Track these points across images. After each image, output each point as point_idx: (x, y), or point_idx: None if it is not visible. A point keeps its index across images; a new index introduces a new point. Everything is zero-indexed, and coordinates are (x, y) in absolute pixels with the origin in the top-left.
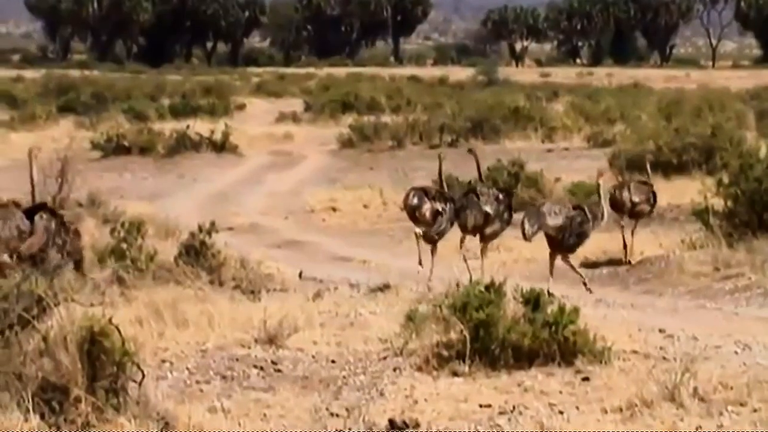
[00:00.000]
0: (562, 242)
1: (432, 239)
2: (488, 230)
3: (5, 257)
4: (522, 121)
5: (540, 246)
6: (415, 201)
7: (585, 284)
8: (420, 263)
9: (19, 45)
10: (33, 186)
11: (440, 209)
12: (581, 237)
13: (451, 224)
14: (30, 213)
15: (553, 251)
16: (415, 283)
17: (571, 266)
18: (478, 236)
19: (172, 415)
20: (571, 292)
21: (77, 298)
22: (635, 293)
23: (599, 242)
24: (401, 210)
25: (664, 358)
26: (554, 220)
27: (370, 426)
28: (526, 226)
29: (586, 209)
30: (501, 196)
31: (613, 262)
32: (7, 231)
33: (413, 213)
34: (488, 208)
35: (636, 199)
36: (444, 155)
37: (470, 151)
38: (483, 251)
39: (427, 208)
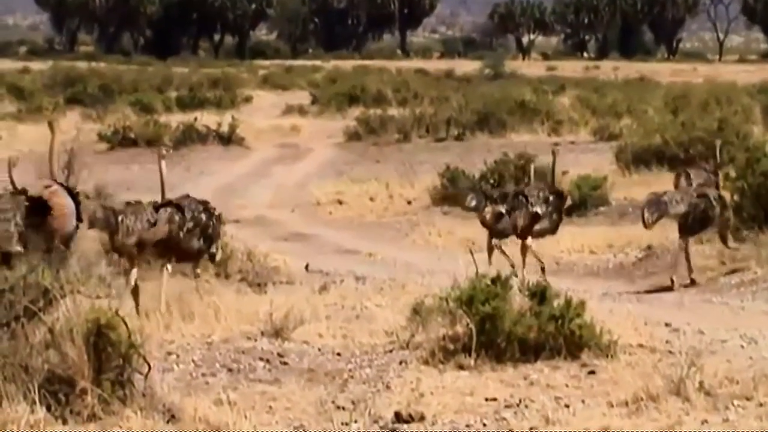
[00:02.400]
0: (686, 228)
1: (504, 235)
2: (536, 229)
3: (134, 248)
4: (528, 115)
5: (546, 240)
6: (473, 204)
7: (692, 280)
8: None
9: (26, 37)
10: (162, 181)
11: (503, 211)
12: (704, 223)
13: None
14: (159, 208)
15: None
16: (420, 276)
17: (687, 255)
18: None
19: (178, 408)
20: (578, 286)
21: (83, 290)
22: (641, 287)
23: (606, 234)
24: (407, 203)
25: (670, 352)
26: (676, 208)
27: (375, 419)
28: (646, 214)
29: (711, 197)
30: (551, 198)
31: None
32: (139, 224)
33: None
34: (537, 209)
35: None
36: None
37: (553, 152)
38: (523, 251)
39: (488, 211)
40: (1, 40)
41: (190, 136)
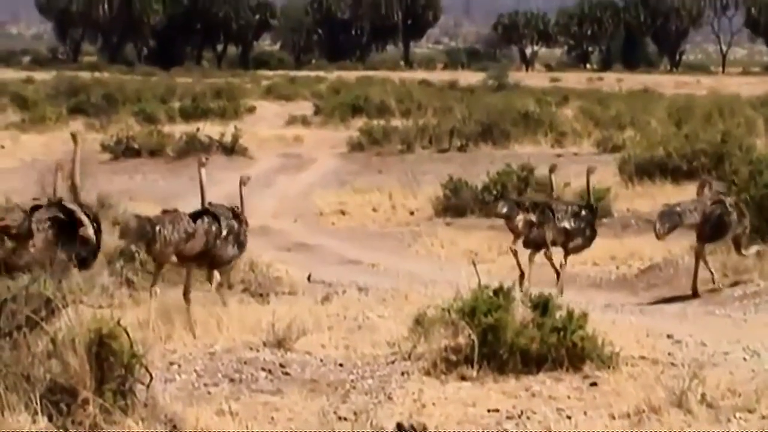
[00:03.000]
0: (703, 236)
1: (535, 245)
2: (570, 245)
3: (173, 258)
4: (532, 126)
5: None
6: (504, 211)
7: (694, 291)
8: (521, 277)
9: (29, 46)
10: (202, 190)
11: (534, 220)
12: (722, 230)
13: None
14: (196, 217)
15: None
16: (423, 287)
17: (705, 262)
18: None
19: (179, 418)
20: (581, 298)
21: (86, 300)
22: (644, 298)
23: (609, 246)
24: (410, 214)
25: (673, 363)
26: (690, 219)
27: (377, 430)
28: (658, 225)
29: (726, 202)
30: (584, 213)
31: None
32: (176, 234)
33: (507, 223)
34: (566, 224)
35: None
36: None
37: (588, 170)
38: (526, 260)
39: (519, 219)
40: (5, 50)
41: (193, 146)
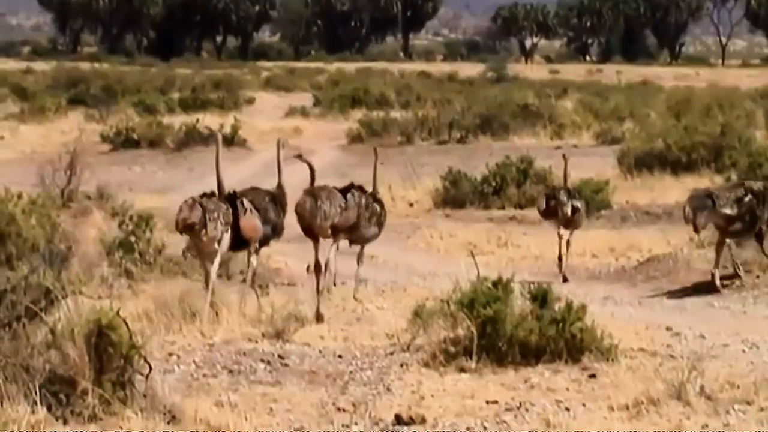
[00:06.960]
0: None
1: (574, 228)
2: (730, 229)
3: (329, 232)
4: (531, 118)
5: (547, 243)
6: (565, 199)
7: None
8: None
9: (29, 37)
10: (375, 174)
11: (578, 206)
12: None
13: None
14: (345, 192)
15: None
16: (422, 279)
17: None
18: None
19: (178, 409)
20: (579, 290)
21: (85, 291)
22: (643, 291)
23: (607, 238)
24: (409, 206)
25: (671, 356)
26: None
27: (376, 421)
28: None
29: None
30: (746, 198)
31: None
32: (332, 209)
33: (555, 211)
34: (728, 210)
35: None
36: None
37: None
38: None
39: (568, 206)
40: (5, 41)
41: (192, 138)
